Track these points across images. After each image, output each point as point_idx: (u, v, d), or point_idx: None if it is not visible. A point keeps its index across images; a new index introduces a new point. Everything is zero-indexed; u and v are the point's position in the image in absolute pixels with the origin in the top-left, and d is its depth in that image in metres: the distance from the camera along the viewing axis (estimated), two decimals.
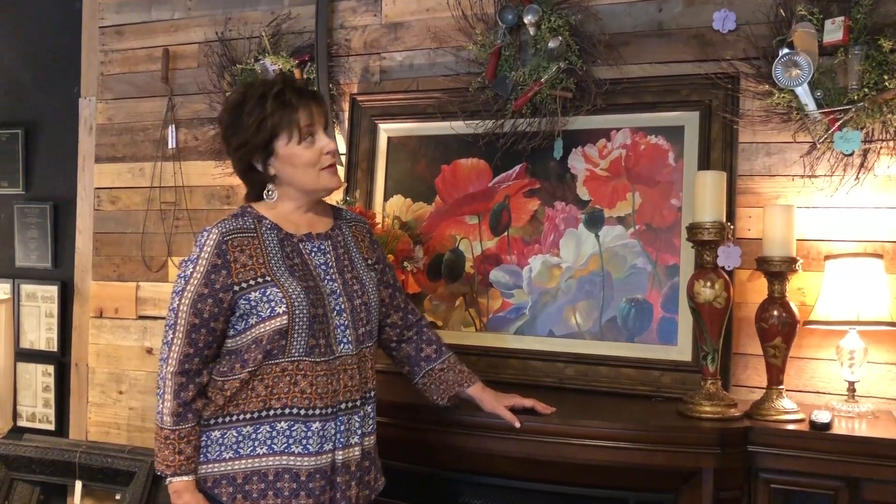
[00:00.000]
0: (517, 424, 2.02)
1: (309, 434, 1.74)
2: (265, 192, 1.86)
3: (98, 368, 3.20)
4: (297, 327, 1.75)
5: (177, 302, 1.77)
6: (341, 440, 1.78)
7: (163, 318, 2.70)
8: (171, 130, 3.09)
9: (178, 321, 1.77)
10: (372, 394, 1.88)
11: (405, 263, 2.56)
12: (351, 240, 1.94)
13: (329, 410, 1.77)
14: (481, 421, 2.07)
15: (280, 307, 1.74)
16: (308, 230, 1.87)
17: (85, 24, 3.28)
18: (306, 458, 1.74)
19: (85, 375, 3.23)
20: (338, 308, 1.82)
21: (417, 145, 2.73)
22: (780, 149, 2.33)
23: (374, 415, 1.88)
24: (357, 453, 1.81)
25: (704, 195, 2.12)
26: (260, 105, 1.78)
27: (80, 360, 3.24)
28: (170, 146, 3.09)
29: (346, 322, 1.82)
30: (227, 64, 2.94)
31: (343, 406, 1.80)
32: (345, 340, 1.82)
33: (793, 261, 2.08)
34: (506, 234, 2.57)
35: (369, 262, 1.95)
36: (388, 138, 2.76)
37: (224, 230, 1.78)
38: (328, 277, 1.84)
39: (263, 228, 1.82)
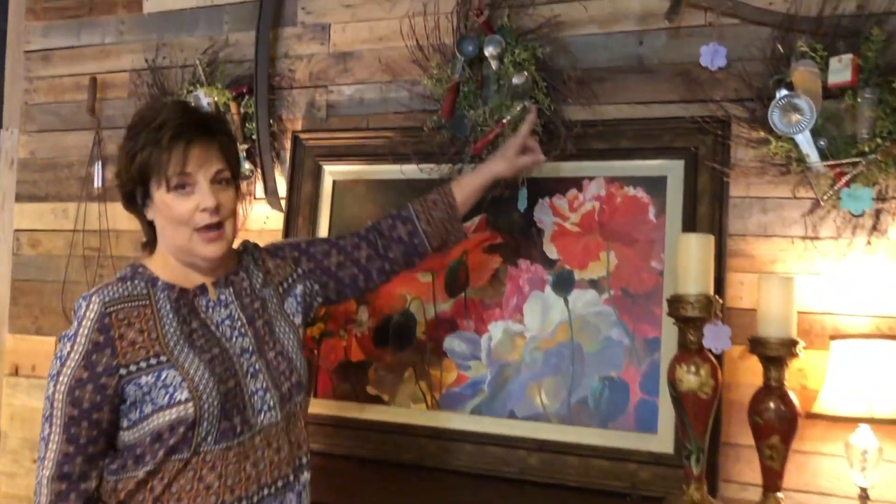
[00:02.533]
0: (543, 157, 1.92)
1: None
2: (142, 241, 1.59)
3: (11, 433, 2.85)
4: (206, 415, 1.43)
5: (52, 389, 1.45)
6: None
7: None
8: (97, 167, 2.77)
9: (54, 413, 1.44)
10: (306, 458, 1.58)
11: (346, 327, 2.22)
12: (257, 273, 1.63)
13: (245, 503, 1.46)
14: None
15: (180, 393, 1.42)
16: (203, 280, 1.55)
17: (9, 48, 2.97)
18: None
19: None
20: (251, 370, 1.51)
21: (366, 190, 2.40)
22: (777, 205, 2.00)
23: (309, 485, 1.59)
24: None
25: (688, 262, 1.80)
26: (135, 137, 1.49)
27: None
28: (96, 185, 2.77)
29: (264, 384, 1.52)
30: (158, 94, 2.62)
31: (268, 491, 1.49)
32: (265, 407, 1.51)
33: (793, 343, 1.75)
34: (462, 295, 2.24)
35: (283, 286, 1.66)
36: (334, 181, 2.44)
37: (107, 299, 1.46)
38: (236, 334, 1.53)
39: (157, 292, 1.50)
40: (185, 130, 1.47)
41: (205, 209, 1.48)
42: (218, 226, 1.50)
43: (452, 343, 2.23)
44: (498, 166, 1.87)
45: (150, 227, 1.56)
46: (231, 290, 1.57)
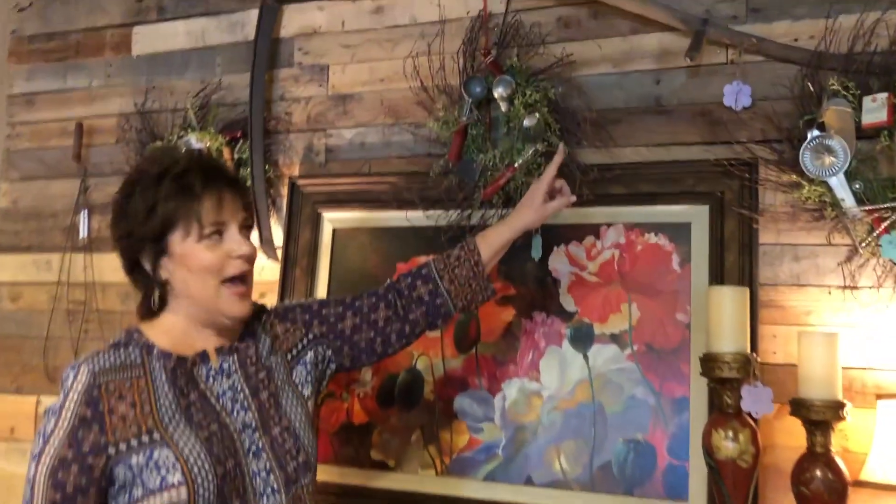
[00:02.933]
0: (573, 198, 1.75)
1: None
2: (152, 300, 1.41)
3: None
4: (201, 500, 1.28)
5: (33, 470, 1.29)
6: None
7: None
8: (83, 217, 2.62)
9: (35, 498, 1.28)
10: None
11: (348, 387, 2.07)
12: (265, 338, 1.50)
13: None
14: None
15: (173, 475, 1.27)
16: (204, 346, 1.41)
17: None
18: None
19: None
20: (254, 449, 1.37)
21: (368, 239, 2.26)
22: (811, 253, 1.88)
23: None
24: None
25: (722, 318, 1.66)
26: (154, 187, 1.37)
27: None
28: (81, 235, 2.62)
29: (268, 464, 1.38)
30: (147, 140, 2.49)
31: None
32: (269, 490, 1.37)
33: (839, 406, 1.61)
34: (474, 350, 2.09)
35: (293, 352, 1.52)
36: (334, 230, 2.30)
37: (97, 368, 1.31)
38: (238, 407, 1.40)
39: (152, 361, 1.35)
40: (214, 176, 1.41)
41: (240, 256, 1.40)
42: (244, 280, 1.42)
43: (463, 403, 2.07)
44: (527, 217, 1.69)
45: (154, 290, 1.42)
46: (235, 357, 1.44)
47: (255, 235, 2.30)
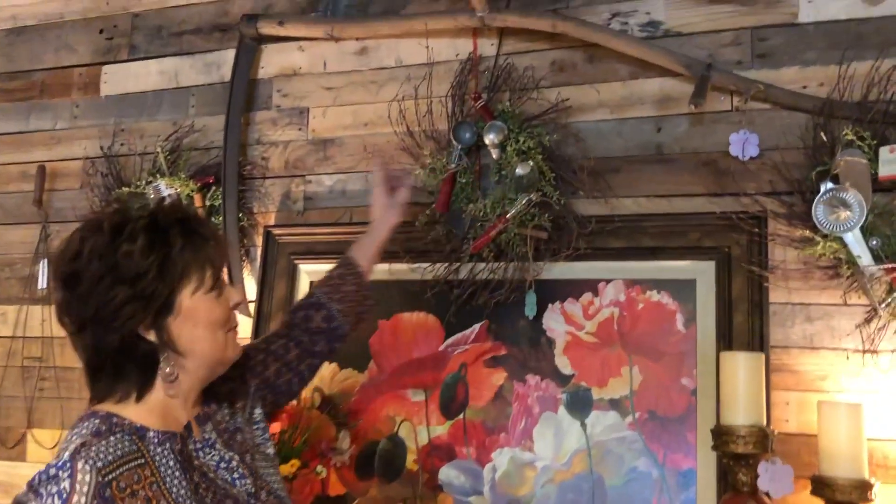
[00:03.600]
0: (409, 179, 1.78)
1: None
2: (164, 371, 1.20)
3: None
4: None
5: None
6: None
7: None
8: (42, 266, 2.45)
9: None
10: None
11: (324, 456, 1.89)
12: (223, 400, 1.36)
13: None
14: None
15: None
16: (187, 418, 1.24)
17: None
18: None
19: None
20: None
21: None
22: (825, 313, 1.74)
23: None
24: None
25: (735, 386, 1.52)
26: (159, 238, 1.18)
27: None
28: (40, 286, 2.45)
29: None
30: (113, 185, 2.34)
31: None
32: None
33: (866, 486, 1.46)
34: (461, 416, 1.93)
35: (245, 410, 1.39)
36: (311, 283, 2.14)
37: (99, 464, 1.09)
38: (235, 477, 1.25)
39: (150, 446, 1.16)
40: (204, 222, 1.31)
41: (236, 304, 1.29)
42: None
43: (450, 474, 1.90)
44: (390, 218, 1.70)
45: (121, 371, 1.19)
46: (211, 424, 1.29)
47: None
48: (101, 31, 2.53)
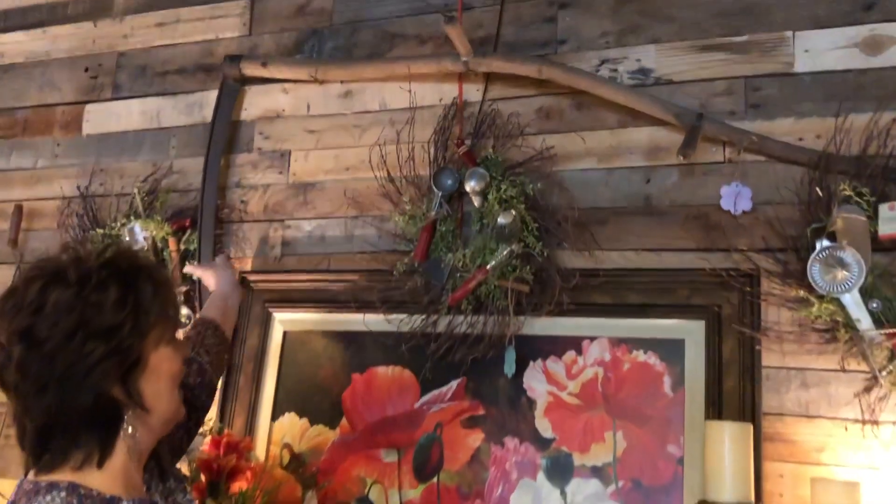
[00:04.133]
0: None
1: None
2: (126, 431, 1.09)
3: None
4: None
5: None
6: None
7: None
8: None
9: None
10: None
11: None
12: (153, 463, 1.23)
13: None
14: None
15: None
16: (142, 483, 1.14)
17: None
18: None
19: None
20: None
21: (323, 344, 2.01)
22: (821, 379, 1.63)
23: None
24: None
25: (721, 459, 1.41)
26: (130, 287, 1.08)
27: None
28: None
29: None
30: (88, 226, 2.27)
31: None
32: None
33: None
34: (435, 480, 1.81)
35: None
36: (285, 333, 2.05)
37: None
38: None
39: None
40: (160, 267, 1.43)
41: (187, 356, 1.25)
42: None
43: None
44: (229, 282, 1.91)
45: (78, 437, 1.07)
46: (155, 488, 1.19)
47: None
48: (85, 70, 2.49)
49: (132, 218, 2.19)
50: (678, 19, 1.87)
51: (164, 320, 1.11)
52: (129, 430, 1.09)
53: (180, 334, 1.27)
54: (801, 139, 1.72)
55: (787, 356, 1.65)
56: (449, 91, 2.03)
